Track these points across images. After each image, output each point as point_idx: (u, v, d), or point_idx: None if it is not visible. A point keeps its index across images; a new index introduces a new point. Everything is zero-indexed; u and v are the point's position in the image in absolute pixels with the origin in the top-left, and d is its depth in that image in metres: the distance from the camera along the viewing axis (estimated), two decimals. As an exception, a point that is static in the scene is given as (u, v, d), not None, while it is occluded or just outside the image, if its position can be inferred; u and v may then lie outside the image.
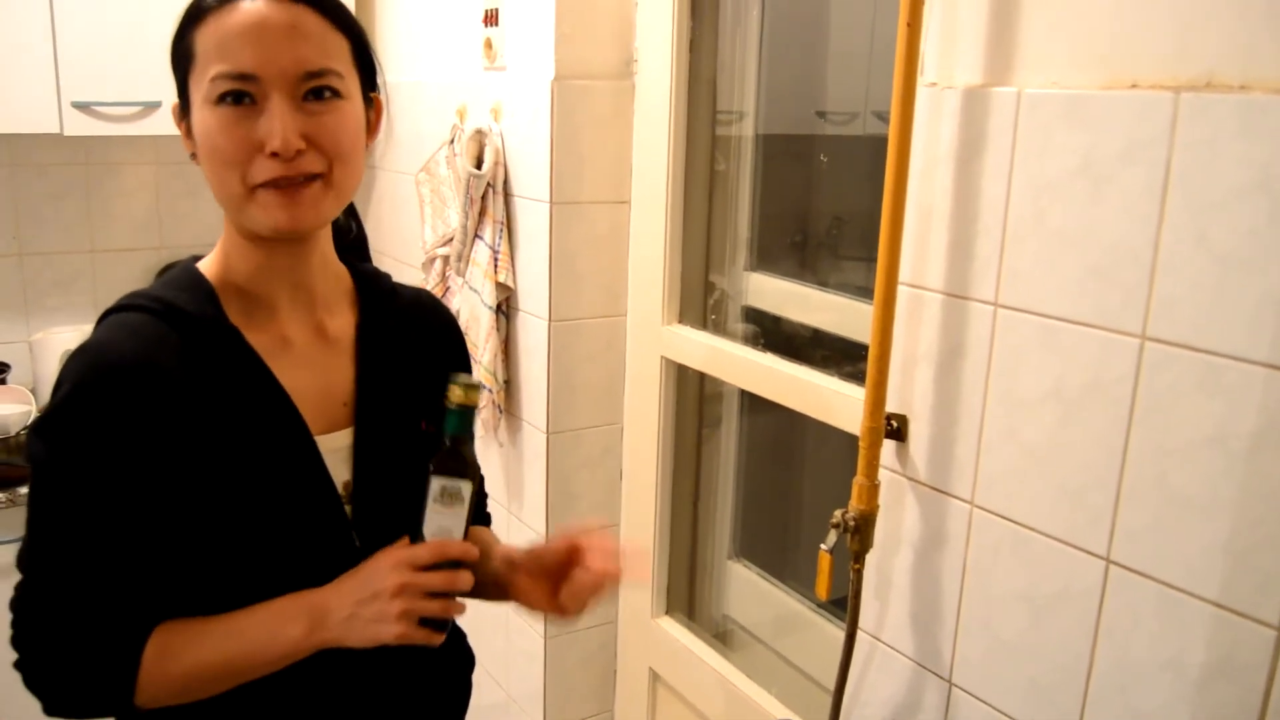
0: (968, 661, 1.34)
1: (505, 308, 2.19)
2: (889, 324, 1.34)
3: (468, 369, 1.39)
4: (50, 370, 2.66)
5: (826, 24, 1.96)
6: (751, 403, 2.06)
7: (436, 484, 1.08)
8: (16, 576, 1.09)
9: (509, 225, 2.15)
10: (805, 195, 2.07)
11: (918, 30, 1.26)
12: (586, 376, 2.14)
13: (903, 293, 1.35)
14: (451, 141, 2.29)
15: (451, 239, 2.26)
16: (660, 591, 2.19)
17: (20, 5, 2.34)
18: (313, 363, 1.18)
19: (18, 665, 1.09)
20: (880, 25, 1.76)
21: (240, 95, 1.05)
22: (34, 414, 2.56)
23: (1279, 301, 0.98)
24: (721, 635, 2.18)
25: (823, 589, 1.43)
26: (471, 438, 1.10)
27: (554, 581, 1.22)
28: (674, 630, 2.14)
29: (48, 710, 1.09)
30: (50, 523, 1.07)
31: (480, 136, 2.16)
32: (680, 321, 2.06)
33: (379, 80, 1.22)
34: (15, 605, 1.09)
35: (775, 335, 1.96)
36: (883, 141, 1.30)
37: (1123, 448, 1.13)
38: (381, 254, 2.83)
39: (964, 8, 1.26)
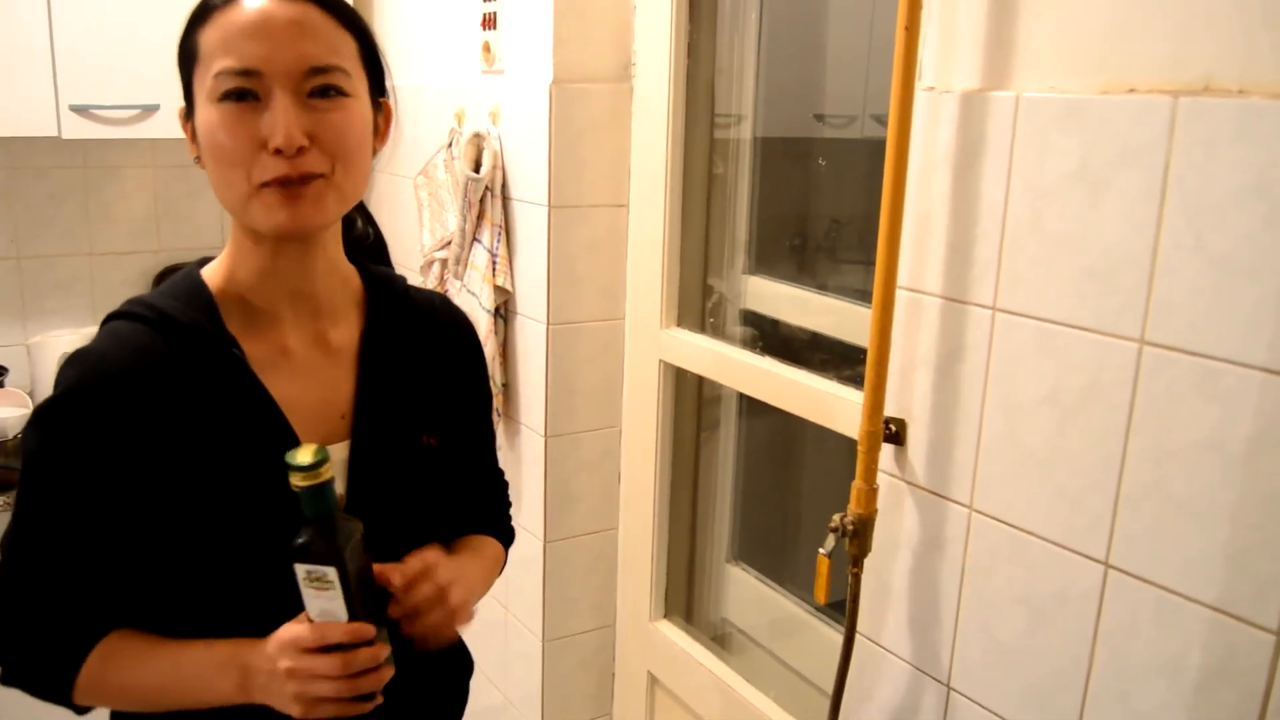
0: (966, 665, 1.34)
1: (503, 311, 2.19)
2: (887, 328, 1.34)
3: (483, 375, 1.37)
4: (48, 373, 2.66)
5: (824, 27, 1.97)
6: (750, 406, 2.06)
7: (300, 570, 1.02)
8: None
9: (507, 228, 2.15)
10: (803, 198, 2.07)
11: (916, 34, 1.26)
12: (585, 380, 2.14)
13: (901, 297, 1.35)
14: (449, 145, 2.29)
15: (449, 242, 2.26)
16: (659, 595, 2.19)
17: (18, 8, 2.34)
18: (312, 373, 1.17)
19: None
20: (878, 28, 1.76)
21: (244, 92, 1.04)
22: (32, 417, 2.55)
23: (1276, 305, 0.98)
24: (720, 639, 2.18)
25: (821, 593, 1.43)
26: (334, 513, 1.02)
27: None
28: (672, 634, 2.14)
29: (3, 681, 1.13)
30: (28, 514, 1.10)
31: (478, 140, 2.16)
32: (678, 325, 2.06)
33: (388, 85, 1.21)
34: None
35: (773, 338, 1.96)
36: (881, 145, 1.30)
37: (1121, 452, 1.13)
38: (380, 257, 2.83)
39: (962, 12, 1.26)
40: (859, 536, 1.39)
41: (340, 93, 1.09)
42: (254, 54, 1.04)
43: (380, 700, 1.08)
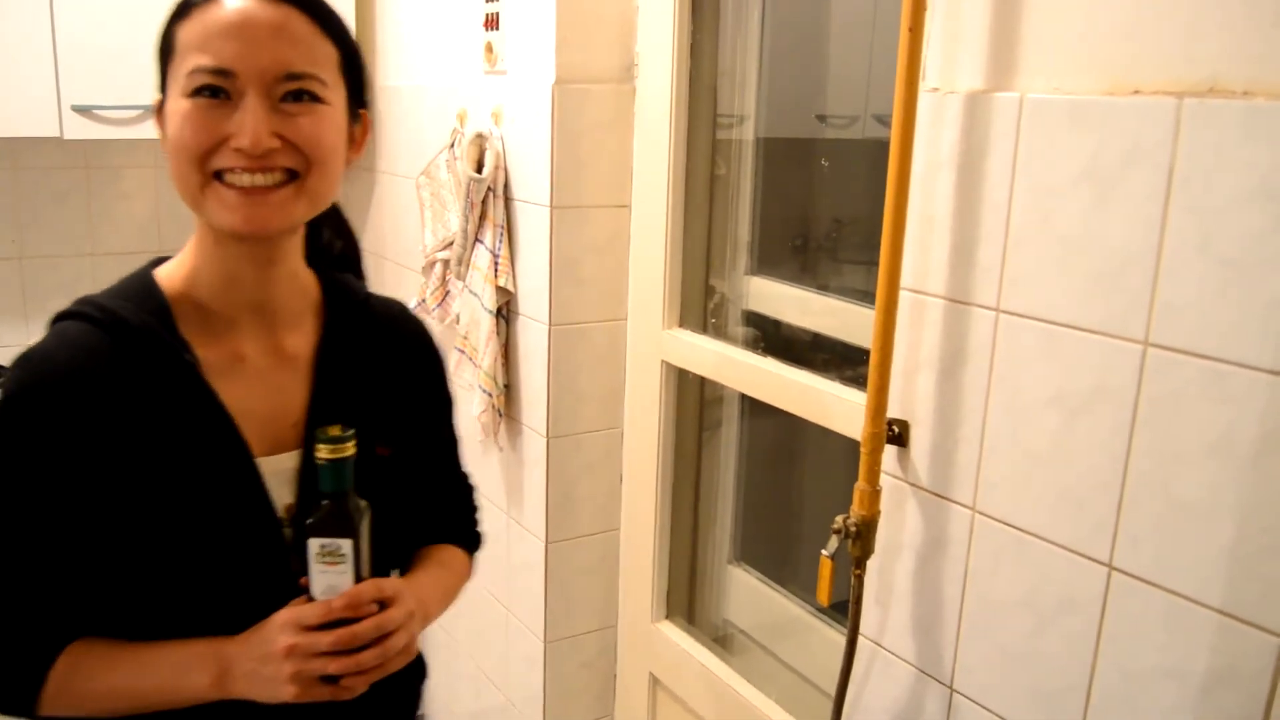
0: (969, 668, 1.34)
1: (505, 312, 2.19)
2: (891, 329, 1.33)
3: (443, 382, 1.35)
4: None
5: (826, 28, 1.96)
6: (752, 407, 2.06)
7: (315, 544, 1.05)
8: None
9: (509, 229, 2.15)
10: (806, 199, 2.06)
11: (919, 35, 1.25)
12: (587, 381, 2.14)
13: (904, 298, 1.35)
14: (452, 145, 2.29)
15: (452, 243, 2.26)
16: (660, 596, 2.19)
17: (20, 9, 2.34)
18: (266, 381, 1.15)
19: None
20: (880, 29, 1.76)
21: (215, 90, 1.04)
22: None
23: (1282, 308, 0.98)
24: (722, 640, 2.18)
25: (824, 594, 1.42)
26: (350, 490, 1.06)
27: None
28: (674, 635, 2.14)
29: None
30: None
31: (481, 140, 2.16)
32: (681, 326, 2.05)
33: (368, 97, 1.19)
34: None
35: (776, 339, 1.96)
36: (883, 145, 1.30)
37: (1125, 454, 1.13)
38: (382, 258, 2.83)
39: (966, 13, 1.26)
40: (862, 538, 1.39)
41: (314, 99, 1.07)
42: (230, 53, 1.04)
43: (357, 692, 1.08)
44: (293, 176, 1.07)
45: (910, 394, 1.37)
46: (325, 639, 1.04)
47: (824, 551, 1.40)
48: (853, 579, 1.42)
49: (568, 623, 2.25)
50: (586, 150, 2.03)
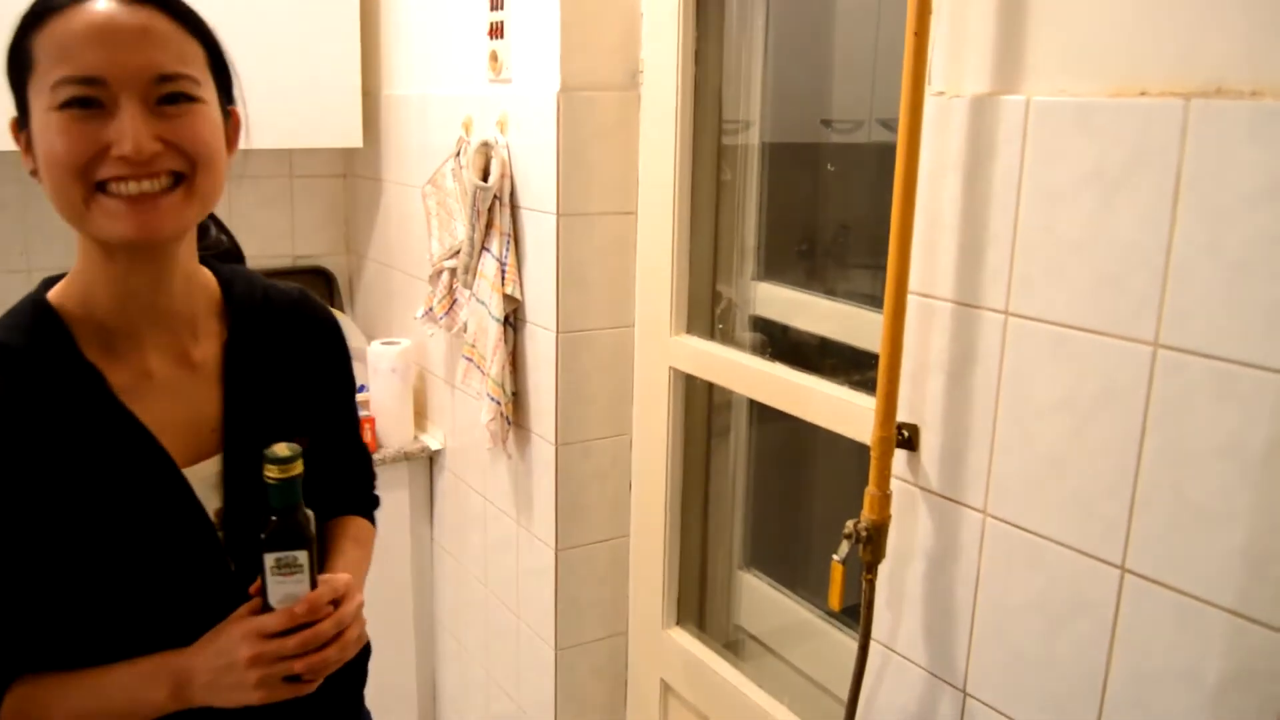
0: (982, 671, 1.34)
1: (513, 320, 2.19)
2: (899, 333, 1.33)
3: (346, 364, 1.36)
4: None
5: (831, 32, 1.97)
6: (761, 412, 2.06)
7: (271, 558, 1.08)
8: None
9: (516, 237, 2.15)
10: (812, 204, 2.06)
11: (925, 39, 1.26)
12: (595, 388, 2.14)
13: (912, 302, 1.35)
14: (457, 154, 2.29)
15: (458, 251, 2.26)
16: (671, 602, 2.19)
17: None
18: (178, 393, 1.15)
19: None
20: (885, 32, 1.76)
21: (87, 100, 1.00)
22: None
23: (1292, 308, 0.98)
24: (733, 645, 2.18)
25: (835, 600, 1.42)
26: (299, 503, 1.09)
27: None
28: (685, 641, 2.14)
29: None
30: None
31: (486, 149, 2.16)
32: (688, 332, 2.05)
33: (236, 93, 1.17)
34: None
35: (783, 344, 1.96)
36: (888, 149, 1.30)
37: (1136, 456, 1.12)
38: (389, 267, 2.84)
39: (971, 16, 1.26)
40: (873, 543, 1.38)
41: (190, 99, 1.05)
42: (97, 61, 1.00)
43: (315, 685, 1.12)
44: (179, 179, 1.05)
45: (919, 398, 1.37)
46: (290, 643, 1.07)
47: (835, 556, 1.40)
48: (864, 584, 1.42)
49: (578, 630, 2.25)
50: (592, 157, 2.03)
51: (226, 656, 1.07)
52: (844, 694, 1.48)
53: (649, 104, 2.03)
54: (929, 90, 1.30)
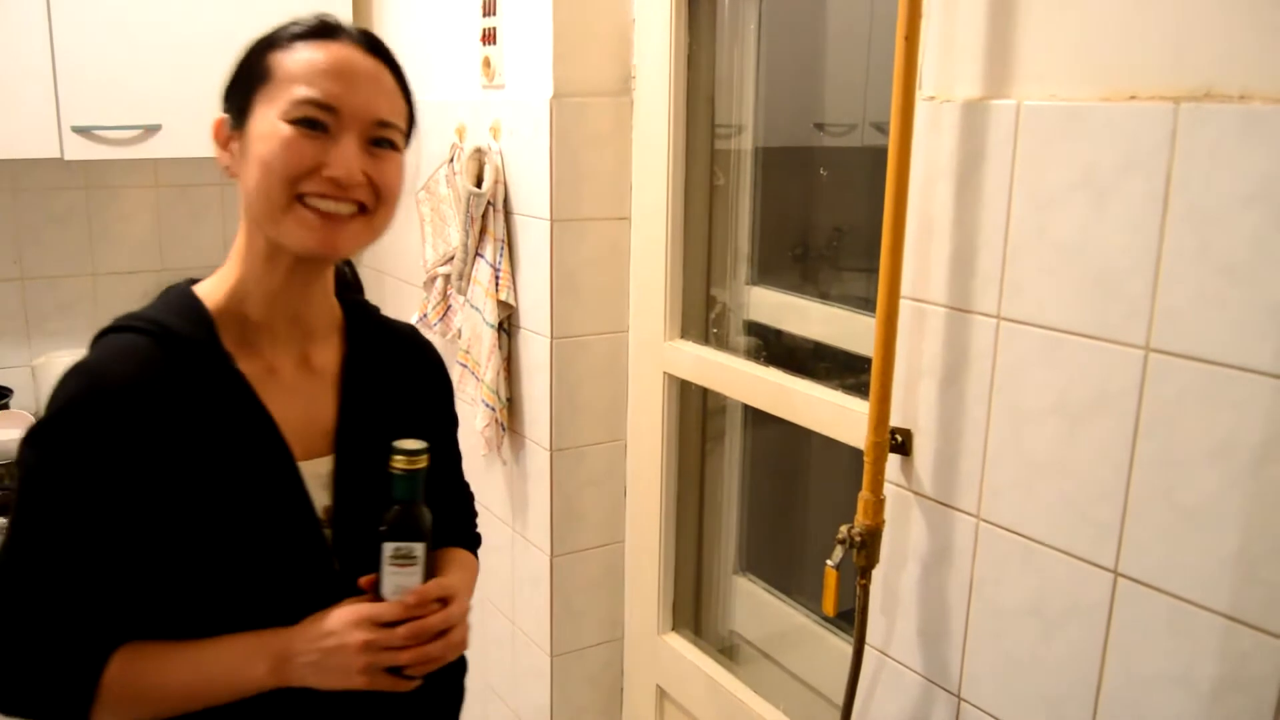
0: (977, 676, 1.34)
1: (507, 325, 2.19)
2: (892, 338, 1.33)
3: (449, 398, 1.42)
4: (53, 394, 2.66)
5: (823, 37, 1.97)
6: (755, 417, 2.06)
7: (389, 547, 1.12)
8: None
9: (510, 243, 2.15)
10: (805, 208, 2.06)
11: (915, 44, 1.26)
12: (589, 393, 2.14)
13: (905, 307, 1.35)
14: (451, 160, 2.29)
15: (453, 257, 2.26)
16: (666, 607, 2.19)
17: (19, 30, 2.34)
18: (297, 391, 1.21)
19: None
20: (877, 36, 1.76)
21: (316, 123, 1.11)
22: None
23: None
24: (728, 651, 2.17)
25: (829, 605, 1.42)
26: (421, 498, 1.14)
27: None
28: (680, 646, 2.14)
29: (5, 710, 1.11)
30: (27, 531, 1.10)
31: (480, 155, 2.16)
32: (682, 337, 2.05)
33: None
34: None
35: (777, 349, 1.96)
36: (881, 153, 1.30)
37: (1129, 460, 1.12)
38: (383, 273, 2.83)
39: (962, 21, 1.26)
40: (867, 548, 1.38)
41: (393, 147, 1.17)
42: (336, 92, 1.11)
43: (416, 684, 1.15)
44: (362, 210, 1.15)
45: (912, 402, 1.37)
46: (400, 633, 1.11)
47: (829, 562, 1.40)
48: (858, 589, 1.42)
49: (574, 636, 2.24)
50: (585, 163, 2.03)
51: (336, 638, 1.11)
52: (839, 699, 1.48)
53: (642, 109, 2.03)
54: (920, 95, 1.30)
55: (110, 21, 2.42)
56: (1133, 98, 1.09)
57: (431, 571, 1.15)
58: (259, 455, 1.14)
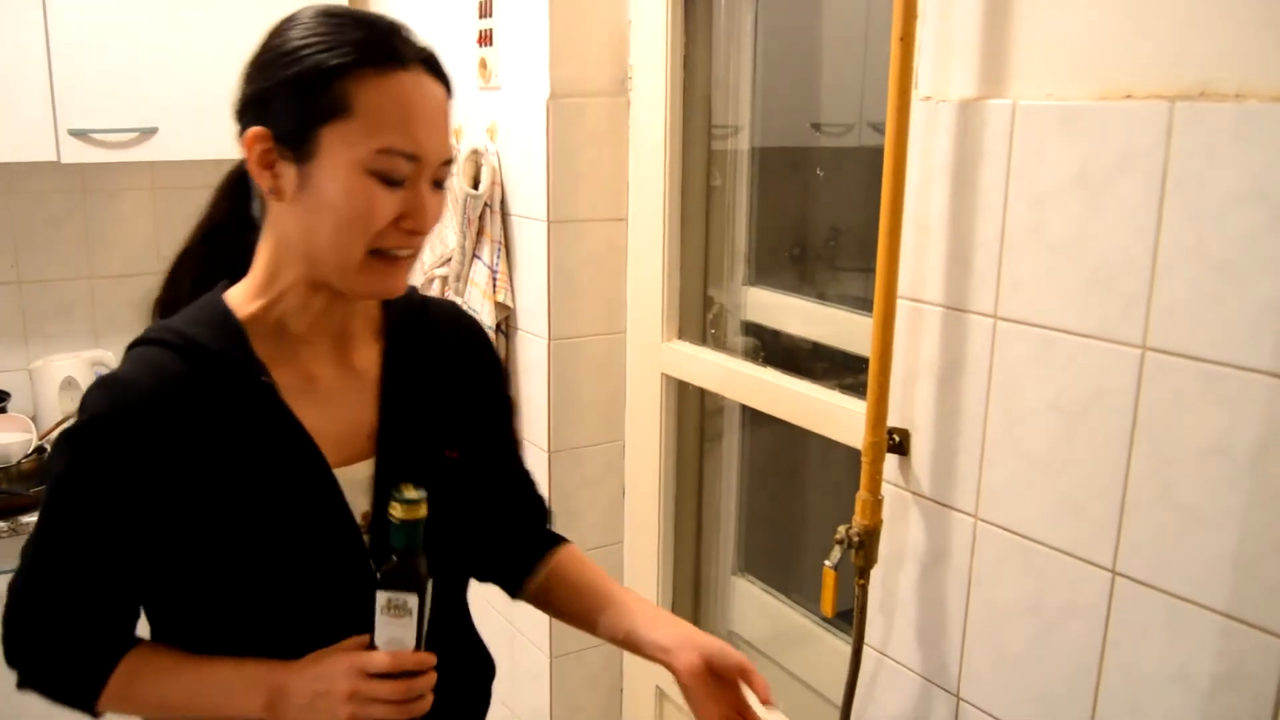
0: (975, 675, 1.34)
1: (505, 327, 2.19)
2: (889, 338, 1.33)
3: (499, 380, 1.38)
4: (51, 398, 2.66)
5: (820, 37, 1.97)
6: (753, 417, 2.06)
7: (382, 597, 1.08)
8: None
9: (507, 244, 2.15)
10: (802, 208, 2.07)
11: (911, 44, 1.26)
12: (587, 394, 2.14)
13: (902, 307, 1.35)
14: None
15: (450, 259, 2.26)
16: (664, 606, 2.18)
17: (15, 33, 2.34)
18: (337, 398, 1.19)
19: (4, 639, 1.15)
20: (874, 36, 1.76)
21: (398, 173, 1.06)
22: (34, 442, 2.55)
23: (1277, 309, 0.98)
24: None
25: (828, 605, 1.42)
26: (419, 548, 1.09)
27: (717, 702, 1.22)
28: (680, 647, 2.13)
29: (19, 685, 1.15)
30: (51, 531, 1.12)
31: (476, 156, 2.16)
32: (680, 338, 2.05)
33: None
34: (11, 588, 1.13)
35: (775, 349, 1.96)
36: (879, 153, 1.30)
37: (1126, 458, 1.13)
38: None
39: (957, 21, 1.26)
40: (865, 548, 1.38)
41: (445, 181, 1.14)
42: (422, 141, 1.06)
43: None
44: None
45: (910, 402, 1.37)
46: (385, 688, 1.07)
47: (827, 562, 1.40)
48: (857, 589, 1.42)
49: (573, 637, 2.24)
50: (582, 164, 2.03)
51: (325, 683, 1.09)
52: (838, 699, 1.48)
53: (638, 110, 2.03)
54: (916, 95, 1.30)
55: (107, 24, 2.42)
56: (1128, 96, 1.09)
57: (424, 623, 1.10)
58: (292, 464, 1.13)
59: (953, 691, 1.37)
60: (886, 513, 1.40)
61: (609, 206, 2.08)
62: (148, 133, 2.49)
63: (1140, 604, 1.13)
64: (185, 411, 1.09)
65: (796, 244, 2.08)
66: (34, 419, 2.65)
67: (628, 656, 2.29)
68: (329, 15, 1.08)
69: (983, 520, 1.29)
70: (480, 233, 2.16)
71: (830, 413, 1.65)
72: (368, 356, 1.23)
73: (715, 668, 1.20)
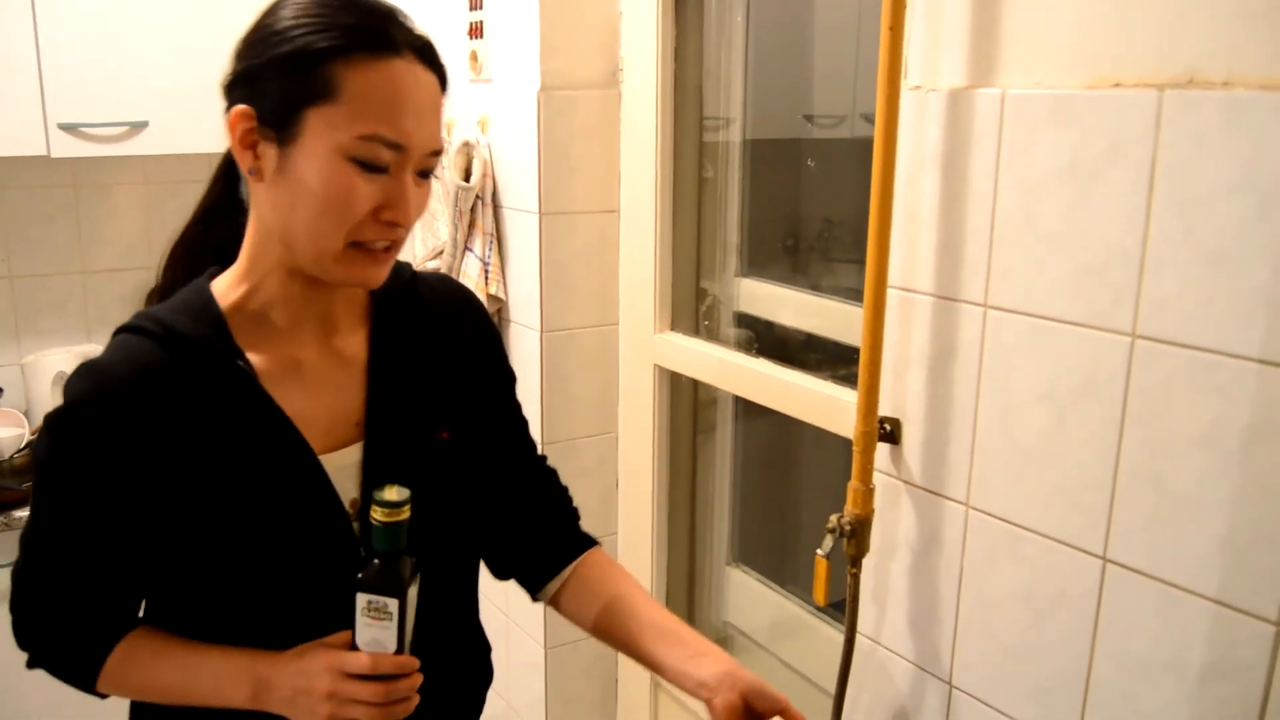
0: (968, 663, 1.34)
1: (497, 320, 2.19)
2: (879, 328, 1.34)
3: (499, 353, 1.35)
4: (44, 392, 2.65)
5: (811, 28, 1.97)
6: (746, 408, 2.06)
7: (362, 599, 1.07)
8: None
9: (499, 237, 2.15)
10: (794, 199, 2.07)
11: (900, 34, 1.26)
12: (580, 386, 2.14)
13: (892, 296, 1.35)
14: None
15: (442, 252, 2.26)
16: (659, 599, 2.19)
17: (4, 28, 2.33)
18: (325, 383, 1.18)
19: (13, 621, 1.18)
20: (865, 27, 1.76)
21: (381, 162, 1.03)
22: (27, 437, 2.55)
23: (1269, 296, 0.98)
24: (721, 641, 2.18)
25: (820, 594, 1.43)
26: (403, 549, 1.08)
27: None
28: (674, 638, 2.14)
29: (29, 664, 1.19)
30: (43, 519, 1.13)
31: (468, 149, 2.16)
32: (672, 329, 2.06)
33: None
34: (14, 571, 1.16)
35: (768, 340, 1.96)
36: (871, 144, 1.30)
37: (1116, 446, 1.13)
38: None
39: (946, 10, 1.26)
40: (856, 537, 1.39)
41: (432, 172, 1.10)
42: (408, 130, 1.03)
43: None
44: None
45: (901, 392, 1.38)
46: (364, 691, 1.07)
47: (819, 551, 1.40)
48: (849, 578, 1.42)
49: (568, 628, 2.24)
50: (574, 156, 2.03)
51: (306, 680, 1.09)
52: (832, 687, 1.49)
53: (629, 102, 2.03)
54: (905, 84, 1.30)
55: (96, 17, 2.41)
56: (1117, 85, 1.09)
57: (405, 625, 1.09)
58: (274, 450, 1.12)
59: (945, 679, 1.37)
60: (878, 502, 1.40)
61: (601, 198, 2.08)
62: (138, 126, 2.49)
63: (1132, 591, 1.13)
64: (164, 399, 1.09)
65: (789, 235, 2.08)
66: (26, 414, 2.65)
67: (622, 647, 2.29)
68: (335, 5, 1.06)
69: (974, 509, 1.30)
70: (472, 225, 2.16)
71: (823, 403, 1.66)
72: (355, 341, 1.21)
73: (754, 708, 1.17)
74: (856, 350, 1.37)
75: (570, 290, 2.08)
